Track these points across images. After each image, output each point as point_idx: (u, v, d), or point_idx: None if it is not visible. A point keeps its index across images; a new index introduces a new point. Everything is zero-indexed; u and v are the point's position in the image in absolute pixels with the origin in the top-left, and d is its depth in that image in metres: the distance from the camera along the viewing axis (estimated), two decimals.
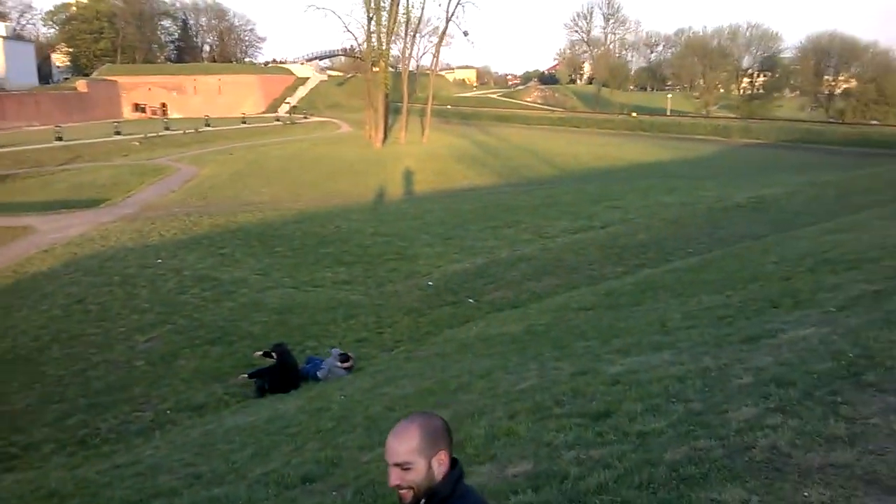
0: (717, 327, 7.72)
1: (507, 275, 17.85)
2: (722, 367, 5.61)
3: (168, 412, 10.57)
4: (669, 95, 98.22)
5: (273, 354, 11.39)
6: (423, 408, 6.94)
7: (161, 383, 11.70)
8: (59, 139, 51.68)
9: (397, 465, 2.20)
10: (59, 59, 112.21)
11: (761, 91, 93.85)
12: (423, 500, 2.22)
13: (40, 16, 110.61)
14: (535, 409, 5.72)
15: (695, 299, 10.17)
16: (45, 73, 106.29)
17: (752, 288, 10.15)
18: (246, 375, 11.38)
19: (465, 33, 59.69)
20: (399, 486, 2.20)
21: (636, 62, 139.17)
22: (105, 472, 7.36)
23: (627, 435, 4.47)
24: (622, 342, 7.96)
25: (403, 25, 62.09)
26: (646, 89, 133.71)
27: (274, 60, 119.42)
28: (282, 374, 11.15)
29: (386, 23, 59.12)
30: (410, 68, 71.14)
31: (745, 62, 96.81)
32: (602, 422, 4.91)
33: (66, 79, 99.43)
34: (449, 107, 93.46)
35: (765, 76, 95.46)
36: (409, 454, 2.19)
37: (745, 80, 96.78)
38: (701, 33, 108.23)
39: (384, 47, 60.59)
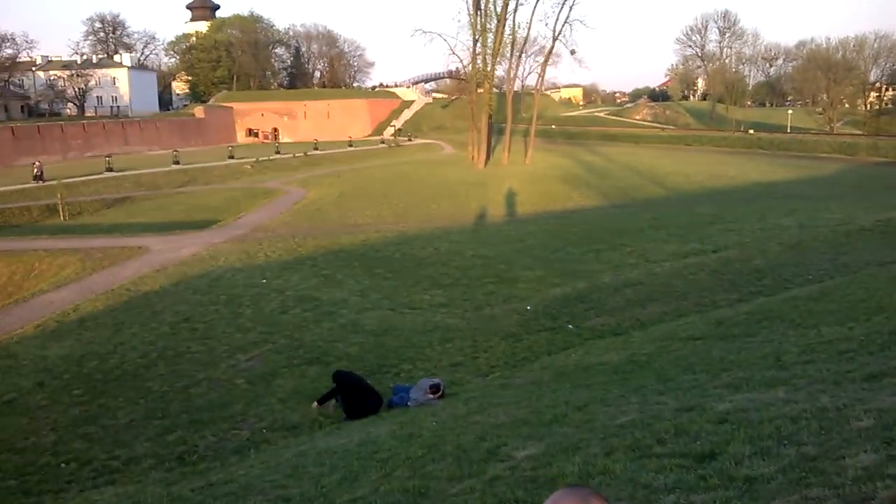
0: (836, 363, 7.06)
1: (610, 300, 17.27)
2: (840, 407, 5.07)
3: (264, 431, 10.69)
4: (790, 111, 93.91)
5: (334, 389, 11.31)
6: (515, 438, 6.64)
7: (259, 402, 11.88)
8: (177, 163, 54.79)
9: None
10: (178, 87, 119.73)
11: (890, 106, 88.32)
12: None
13: (162, 46, 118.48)
14: (633, 446, 5.33)
15: (814, 331, 9.42)
16: (165, 100, 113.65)
17: (876, 320, 9.31)
18: (316, 404, 11.38)
19: (573, 52, 58.75)
20: None
21: (754, 77, 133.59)
22: (199, 489, 7.44)
23: (733, 480, 4.05)
24: (732, 377, 7.40)
25: (509, 46, 62.26)
26: (764, 105, 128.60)
27: (381, 84, 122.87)
28: (349, 397, 11.05)
29: (492, 44, 59.43)
30: (515, 88, 71.07)
31: (873, 75, 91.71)
32: (706, 464, 4.49)
33: (185, 105, 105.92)
34: (554, 126, 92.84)
35: (894, 90, 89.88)
36: None
37: (873, 94, 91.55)
38: (824, 45, 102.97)
39: (489, 68, 60.90)
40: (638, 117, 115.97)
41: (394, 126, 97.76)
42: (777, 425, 4.93)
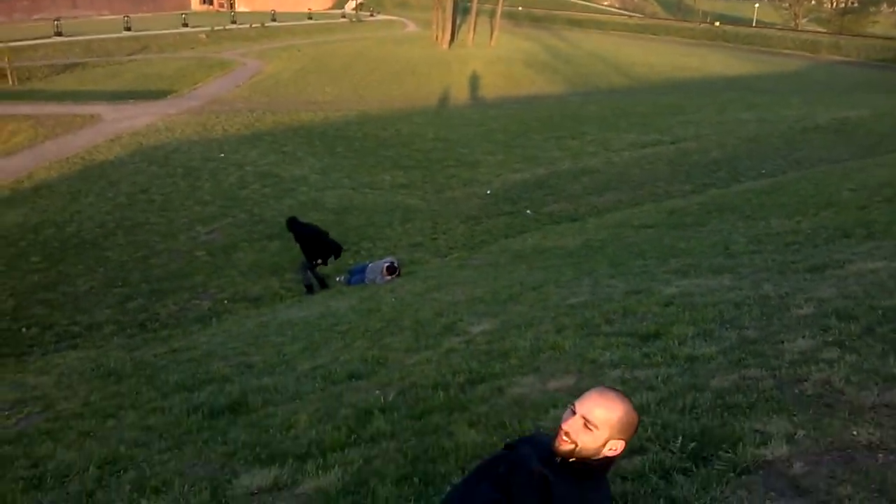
0: (782, 254, 7.42)
1: (569, 187, 17.53)
2: (783, 295, 5.39)
3: (225, 302, 10.90)
4: (756, 5, 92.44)
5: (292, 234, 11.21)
6: (471, 315, 6.94)
7: (220, 274, 12.03)
8: (128, 29, 52.14)
9: (585, 419, 2.17)
10: None
11: (856, 5, 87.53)
12: (570, 460, 2.20)
13: None
14: (583, 324, 5.64)
15: (763, 223, 9.79)
16: None
17: (824, 215, 9.70)
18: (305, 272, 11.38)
19: None
20: (567, 434, 2.17)
21: None
22: (162, 355, 7.66)
23: (675, 358, 4.35)
24: (681, 263, 7.74)
25: None
26: None
27: None
28: (307, 243, 11.08)
29: None
30: None
31: None
32: (651, 343, 4.80)
33: None
34: (520, 8, 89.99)
35: None
36: (603, 422, 2.17)
37: None
38: None
39: None
40: (606, 3, 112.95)
41: (355, 0, 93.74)
42: (720, 310, 5.24)
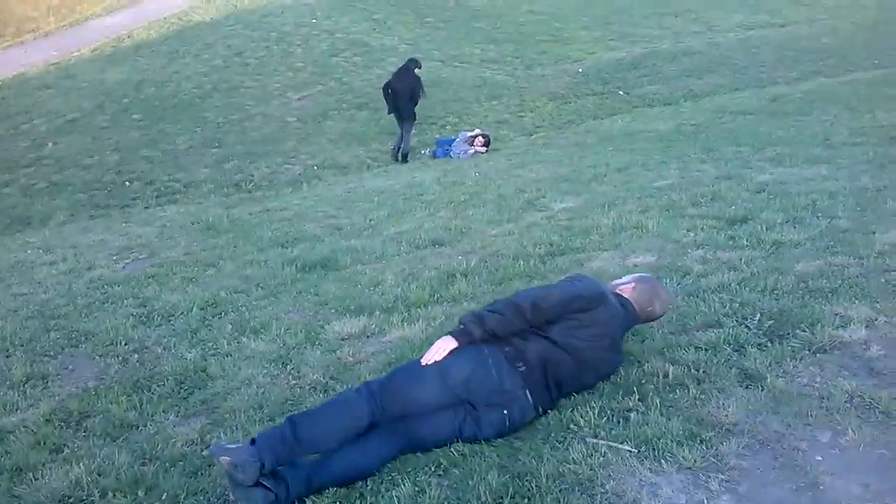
0: (885, 147, 7.05)
1: (666, 68, 16.77)
2: (880, 188, 5.20)
3: (315, 168, 11.21)
4: None
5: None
6: (554, 192, 6.97)
7: (310, 141, 12.30)
8: None
9: None
10: None
11: None
12: None
13: None
14: (668, 206, 5.61)
15: (868, 116, 9.23)
16: None
17: None
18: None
19: None
20: None
21: None
22: (256, 214, 8.05)
23: (761, 242, 4.32)
24: (777, 152, 7.46)
25: None
26: None
27: None
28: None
29: None
30: None
31: None
32: (737, 227, 4.76)
33: None
34: None
35: None
36: None
37: None
38: None
39: None
40: None
41: None
42: (813, 199, 5.12)
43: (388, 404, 2.56)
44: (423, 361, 2.63)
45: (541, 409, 2.64)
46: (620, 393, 2.76)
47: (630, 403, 2.66)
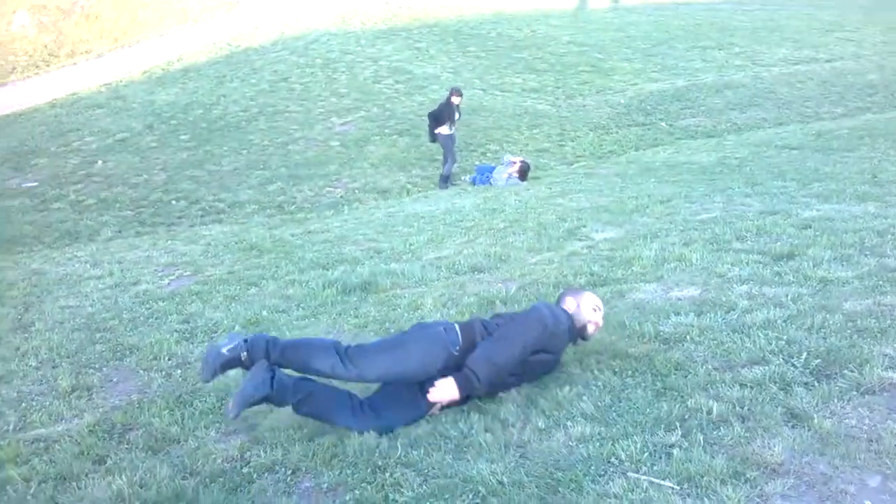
0: None
1: (709, 101, 16.70)
2: None
3: (356, 191, 11.34)
4: None
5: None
6: (595, 222, 6.94)
7: (352, 165, 12.45)
8: None
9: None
10: None
11: None
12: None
13: None
14: (712, 240, 5.54)
15: None
16: None
17: None
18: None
19: None
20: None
21: None
22: (298, 235, 8.15)
23: (808, 279, 4.24)
24: (824, 188, 7.36)
25: None
26: None
27: None
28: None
29: None
30: None
31: None
32: (783, 263, 4.68)
33: None
34: None
35: None
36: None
37: None
38: None
39: None
40: None
41: None
42: (861, 236, 5.02)
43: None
44: (431, 399, 3.12)
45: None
46: (663, 428, 2.72)
47: (673, 439, 2.63)
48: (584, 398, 3.12)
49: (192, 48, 19.77)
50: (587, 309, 3.43)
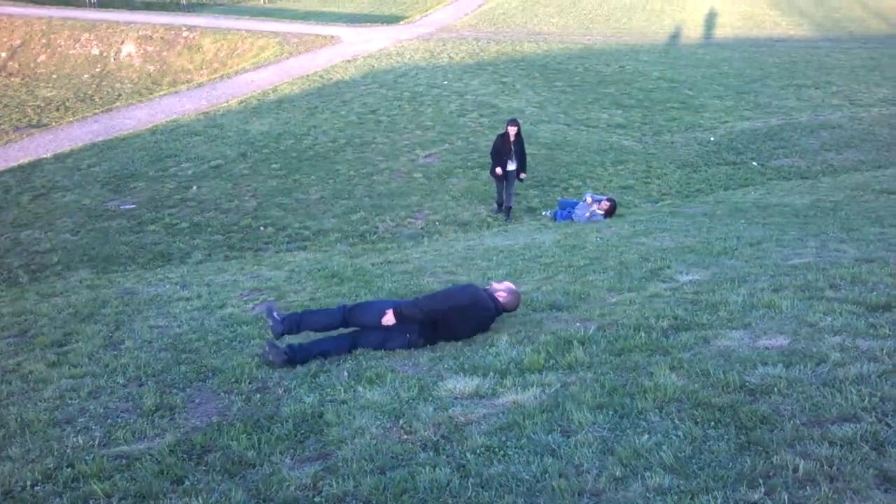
0: None
1: (803, 141, 16.15)
2: None
3: (437, 223, 11.43)
4: None
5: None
6: (680, 263, 6.76)
7: (434, 197, 12.58)
8: None
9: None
10: None
11: None
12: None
13: None
14: (804, 287, 5.31)
15: None
16: None
17: None
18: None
19: None
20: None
21: None
22: (378, 264, 8.25)
23: None
24: None
25: None
26: None
27: None
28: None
29: None
30: None
31: None
32: (879, 314, 4.44)
33: None
34: None
35: None
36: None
37: None
38: None
39: None
40: None
41: None
42: None
43: (352, 321, 5.06)
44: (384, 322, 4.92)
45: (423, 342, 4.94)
46: (745, 484, 2.61)
47: (756, 497, 2.51)
48: (664, 448, 3.02)
49: (287, 80, 20.53)
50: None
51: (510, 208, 11.89)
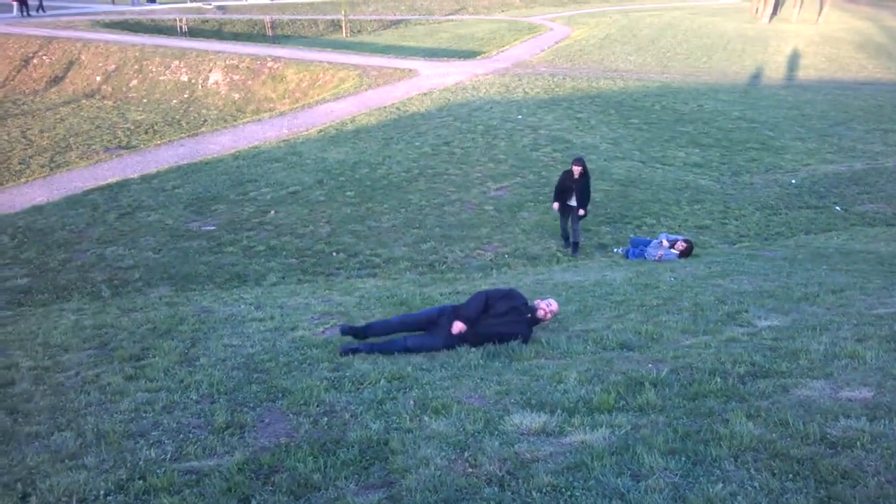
0: None
1: (889, 187, 15.53)
2: None
3: (506, 256, 11.40)
4: None
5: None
6: (758, 308, 6.55)
7: (504, 230, 12.57)
8: None
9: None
10: None
11: None
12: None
13: None
14: (890, 338, 5.07)
15: None
16: None
17: None
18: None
19: None
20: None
21: None
22: (446, 294, 8.28)
23: None
24: None
25: None
26: None
27: None
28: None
29: None
30: None
31: None
32: None
33: None
34: None
35: None
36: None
37: None
38: None
39: None
40: None
41: None
42: None
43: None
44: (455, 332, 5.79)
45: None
46: None
47: None
48: (739, 498, 2.91)
49: (365, 111, 20.99)
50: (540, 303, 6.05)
51: (577, 244, 11.74)
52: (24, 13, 39.80)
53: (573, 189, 11.53)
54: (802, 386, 4.17)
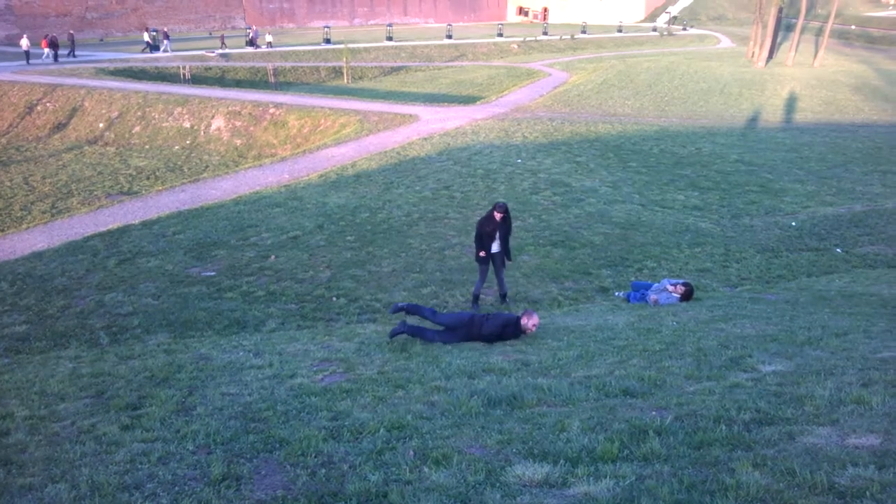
0: None
1: (890, 228, 15.53)
2: None
3: (507, 300, 11.34)
4: None
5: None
6: (762, 353, 6.49)
7: (505, 273, 12.51)
8: (449, 37, 56.85)
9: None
10: None
11: None
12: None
13: None
14: (895, 382, 5.01)
15: None
16: None
17: None
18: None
19: None
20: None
21: None
22: (448, 341, 8.21)
23: None
24: None
25: None
26: None
27: None
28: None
29: None
30: None
31: None
32: None
33: None
34: (853, 27, 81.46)
35: None
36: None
37: None
38: None
39: None
40: None
41: (668, 13, 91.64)
42: None
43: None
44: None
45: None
46: None
47: None
48: None
49: (366, 156, 21.16)
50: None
51: (505, 294, 11.27)
52: (55, 58, 40.67)
53: (496, 234, 10.89)
54: (808, 433, 4.10)
